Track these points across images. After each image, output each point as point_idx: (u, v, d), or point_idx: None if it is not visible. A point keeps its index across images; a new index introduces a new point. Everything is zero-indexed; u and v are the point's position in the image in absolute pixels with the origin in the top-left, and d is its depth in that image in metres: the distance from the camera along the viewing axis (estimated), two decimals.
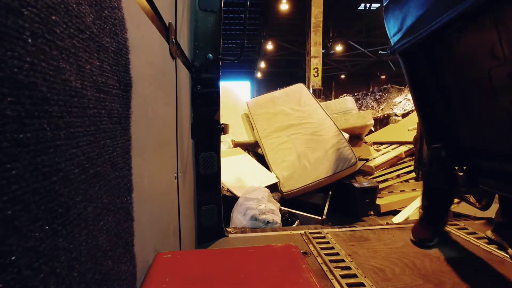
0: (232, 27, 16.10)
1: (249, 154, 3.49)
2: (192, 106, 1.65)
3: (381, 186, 3.45)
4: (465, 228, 1.91)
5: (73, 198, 0.41)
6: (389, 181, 3.65)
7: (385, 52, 15.90)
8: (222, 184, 1.95)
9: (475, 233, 1.82)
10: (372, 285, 1.30)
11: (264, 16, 14.39)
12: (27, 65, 0.32)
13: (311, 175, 3.05)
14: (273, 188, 2.95)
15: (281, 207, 2.47)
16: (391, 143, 4.34)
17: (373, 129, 5.75)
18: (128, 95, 0.64)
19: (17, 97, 0.30)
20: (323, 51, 10.18)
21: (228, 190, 2.52)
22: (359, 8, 14.05)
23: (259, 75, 20.64)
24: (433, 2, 1.27)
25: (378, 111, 9.72)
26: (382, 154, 4.06)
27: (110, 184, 0.53)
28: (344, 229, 1.97)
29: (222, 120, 1.77)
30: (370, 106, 10.80)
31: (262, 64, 18.67)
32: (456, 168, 1.50)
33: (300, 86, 3.91)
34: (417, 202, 3.01)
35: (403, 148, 4.05)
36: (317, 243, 1.72)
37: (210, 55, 1.67)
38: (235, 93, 4.60)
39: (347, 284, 1.31)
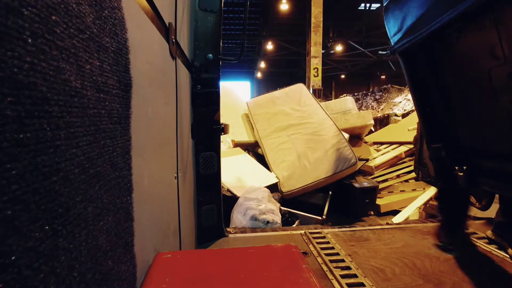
0: (232, 27, 16.10)
1: (249, 154, 3.49)
2: (192, 106, 1.65)
3: (381, 186, 3.45)
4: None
5: (73, 198, 0.41)
6: (389, 181, 3.65)
7: (385, 52, 15.91)
8: (222, 184, 1.95)
9: (475, 233, 1.82)
10: (372, 285, 1.30)
11: (264, 16, 14.39)
12: (27, 65, 0.32)
13: (311, 175, 3.05)
14: (273, 188, 2.95)
15: (281, 207, 2.47)
16: (391, 143, 4.34)
17: (373, 129, 5.75)
18: (128, 95, 0.64)
19: (17, 97, 0.30)
20: (323, 51, 10.18)
21: (228, 190, 2.52)
22: (359, 8, 14.05)
23: (259, 75, 20.64)
24: (433, 2, 1.27)
25: (378, 111, 9.72)
26: (382, 154, 4.06)
27: (110, 184, 0.53)
28: (344, 229, 1.97)
29: (222, 120, 1.77)
30: (370, 106, 10.80)
31: (262, 64, 18.67)
32: (456, 168, 1.50)
33: (300, 86, 3.91)
34: (417, 202, 3.01)
35: (403, 148, 4.05)
36: (317, 243, 1.71)
37: (210, 55, 1.67)
38: (235, 93, 4.60)
39: (347, 284, 1.31)
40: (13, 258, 0.29)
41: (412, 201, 3.07)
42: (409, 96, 8.78)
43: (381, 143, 4.52)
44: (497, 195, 1.65)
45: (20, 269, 0.30)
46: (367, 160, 3.78)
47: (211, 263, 0.80)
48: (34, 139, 0.33)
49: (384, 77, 20.07)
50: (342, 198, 3.12)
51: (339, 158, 3.11)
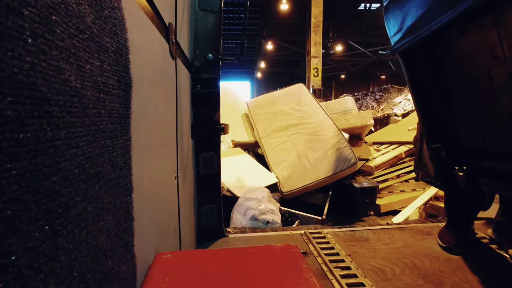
0: (232, 27, 16.10)
1: (249, 154, 3.49)
2: (192, 106, 1.65)
3: (381, 186, 3.45)
4: None
5: (73, 198, 0.41)
6: (389, 181, 3.65)
7: (385, 52, 15.91)
8: (222, 184, 1.95)
9: (475, 233, 1.82)
10: (372, 285, 1.30)
11: (264, 16, 14.39)
12: (27, 65, 0.32)
13: (311, 175, 3.05)
14: (273, 188, 2.96)
15: (281, 207, 2.47)
16: (391, 143, 4.34)
17: (373, 129, 5.75)
18: (128, 95, 0.64)
19: (17, 97, 0.30)
20: (323, 51, 10.18)
21: (228, 190, 2.52)
22: (359, 8, 14.06)
23: (259, 75, 20.64)
24: (433, 2, 1.27)
25: (378, 111, 9.72)
26: (382, 154, 4.06)
27: (110, 184, 0.53)
28: (344, 229, 1.97)
29: (222, 120, 1.77)
30: (370, 106, 10.80)
31: (262, 64, 18.67)
32: (456, 168, 1.49)
33: (300, 86, 3.91)
34: (417, 202, 3.01)
35: (403, 148, 4.05)
36: (317, 243, 1.72)
37: (210, 55, 1.67)
38: (235, 93, 4.60)
39: (347, 284, 1.31)
40: (13, 258, 0.29)
41: (412, 201, 3.07)
42: (409, 96, 8.78)
43: (381, 143, 4.52)
44: (497, 195, 1.64)
45: (20, 269, 0.30)
46: (367, 160, 3.78)
47: (211, 263, 0.80)
48: (34, 139, 0.33)
49: (384, 77, 20.07)
50: (342, 198, 3.12)
51: (339, 158, 3.11)
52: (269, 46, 15.87)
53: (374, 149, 4.34)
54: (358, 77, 20.97)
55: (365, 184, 3.09)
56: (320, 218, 2.57)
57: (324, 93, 12.37)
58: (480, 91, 1.25)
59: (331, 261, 1.50)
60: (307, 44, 9.63)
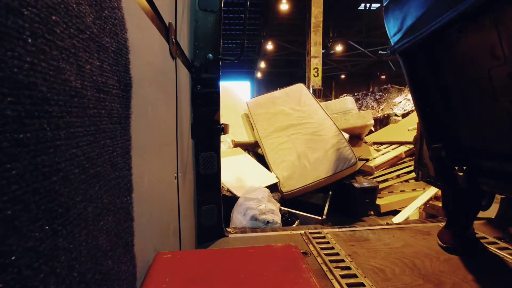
0: (232, 27, 16.10)
1: (249, 154, 3.49)
2: (192, 106, 1.65)
3: (381, 186, 3.45)
4: None
5: (73, 198, 0.41)
6: (389, 181, 3.65)
7: (385, 52, 15.91)
8: (222, 184, 1.94)
9: (475, 233, 1.82)
10: (372, 285, 1.30)
11: (264, 16, 14.39)
12: (27, 65, 0.32)
13: (311, 175, 3.05)
14: (273, 188, 2.96)
15: (281, 207, 2.47)
16: (391, 143, 4.34)
17: (373, 129, 5.75)
18: (128, 95, 0.64)
19: (17, 97, 0.30)
20: (323, 51, 10.18)
21: (228, 190, 2.52)
22: (359, 8, 14.06)
23: (259, 75, 20.64)
24: (433, 2, 1.27)
25: (378, 111, 9.72)
26: (382, 154, 4.06)
27: (110, 184, 0.53)
28: (344, 229, 1.97)
29: (222, 120, 1.77)
30: (370, 106, 10.80)
31: (262, 64, 18.67)
32: (456, 168, 1.49)
33: (300, 86, 3.91)
34: (417, 202, 3.01)
35: (403, 148, 4.05)
36: (317, 243, 1.71)
37: (210, 55, 1.67)
38: (235, 93, 4.60)
39: (347, 284, 1.31)
40: (13, 258, 0.29)
41: (412, 201, 3.08)
42: (409, 96, 8.78)
43: (381, 143, 4.53)
44: (497, 195, 1.64)
45: (20, 269, 0.30)
46: (367, 160, 3.78)
47: (211, 263, 0.80)
48: (34, 139, 0.33)
49: (384, 77, 20.07)
50: (342, 198, 3.12)
51: (339, 158, 3.11)
52: (269, 46, 15.87)
53: (374, 149, 4.34)
54: (358, 77, 20.97)
55: (365, 184, 3.09)
56: (320, 218, 2.57)
57: (324, 93, 12.38)
58: (480, 91, 1.25)
59: (331, 261, 1.50)
60: (307, 44, 9.63)
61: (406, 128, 4.42)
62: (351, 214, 3.07)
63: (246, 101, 4.14)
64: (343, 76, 20.56)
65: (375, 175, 3.67)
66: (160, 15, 0.97)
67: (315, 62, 9.35)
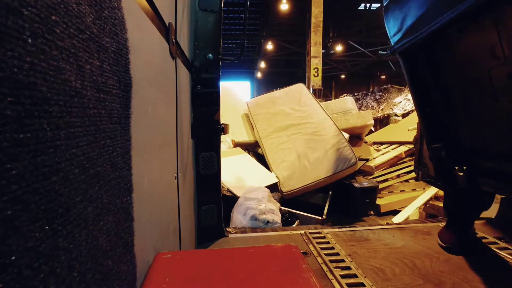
0: (232, 27, 16.10)
1: (249, 154, 3.49)
2: (192, 106, 1.65)
3: (381, 186, 3.45)
4: None
5: (73, 198, 0.41)
6: (389, 181, 3.65)
7: (385, 52, 15.91)
8: (222, 184, 1.94)
9: (475, 233, 1.82)
10: (372, 285, 1.30)
11: (264, 16, 14.39)
12: (27, 65, 0.32)
13: (311, 175, 3.05)
14: (273, 188, 2.96)
15: (281, 207, 2.47)
16: (391, 143, 4.34)
17: (373, 129, 5.75)
18: (128, 95, 0.64)
19: (17, 97, 0.30)
20: (323, 51, 10.18)
21: (228, 190, 2.52)
22: (359, 8, 14.06)
23: (259, 75, 20.64)
24: (433, 2, 1.27)
25: (378, 111, 9.72)
26: (382, 154, 4.06)
27: (110, 184, 0.53)
28: (344, 229, 1.97)
29: (222, 120, 1.77)
30: (370, 106, 10.80)
31: (262, 64, 18.67)
32: (456, 168, 1.49)
33: (300, 86, 3.91)
34: (417, 202, 3.01)
35: (403, 148, 4.06)
36: (317, 243, 1.71)
37: (210, 55, 1.67)
38: (235, 93, 4.60)
39: (347, 284, 1.31)
40: (13, 258, 0.29)
41: (412, 201, 3.08)
42: (409, 96, 8.78)
43: (381, 143, 4.53)
44: (497, 195, 1.64)
45: (20, 269, 0.30)
46: (367, 160, 3.78)
47: (211, 263, 0.80)
48: (34, 139, 0.33)
49: (384, 77, 20.07)
50: (342, 198, 3.12)
51: (339, 158, 3.11)
52: (269, 46, 15.87)
53: (374, 149, 4.34)
54: (358, 77, 20.97)
55: (365, 184, 3.09)
56: (320, 218, 2.57)
57: (324, 93, 12.37)
58: (480, 91, 1.25)
59: (331, 261, 1.50)
60: (307, 44, 9.63)
61: (406, 128, 4.43)
62: (351, 214, 3.07)
63: (246, 101, 4.14)
64: (343, 76, 20.56)
65: (375, 175, 3.67)
66: (160, 15, 0.97)
67: (315, 62, 9.35)
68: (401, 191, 3.53)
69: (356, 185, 3.06)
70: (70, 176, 0.40)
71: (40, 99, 0.34)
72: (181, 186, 1.28)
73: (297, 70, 18.67)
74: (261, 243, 1.69)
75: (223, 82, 2.58)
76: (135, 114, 0.68)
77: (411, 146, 3.93)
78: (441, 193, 2.93)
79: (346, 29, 15.27)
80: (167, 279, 0.71)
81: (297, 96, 3.77)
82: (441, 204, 2.75)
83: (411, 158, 3.92)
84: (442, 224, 1.90)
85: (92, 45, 0.48)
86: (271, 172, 3.19)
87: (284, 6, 12.34)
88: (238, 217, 2.11)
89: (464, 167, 1.46)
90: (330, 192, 3.04)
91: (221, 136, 1.81)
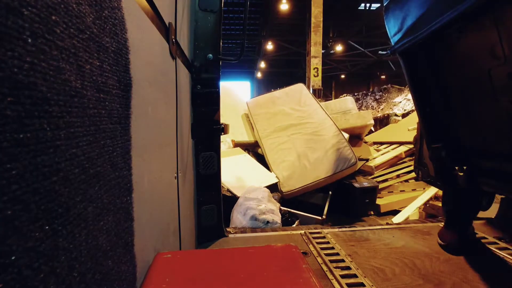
0: (232, 27, 16.09)
1: (249, 154, 3.49)
2: (192, 106, 1.65)
3: (381, 186, 3.45)
4: None
5: (73, 198, 0.41)
6: (389, 181, 3.65)
7: (385, 52, 15.91)
8: (222, 184, 1.95)
9: (475, 233, 1.82)
10: (372, 285, 1.30)
11: (264, 16, 14.39)
12: (27, 65, 0.32)
13: (311, 175, 3.05)
14: (273, 188, 2.96)
15: (281, 207, 2.47)
16: (391, 143, 4.34)
17: (373, 129, 5.75)
18: (128, 95, 0.64)
19: (17, 97, 0.30)
20: (323, 51, 10.18)
21: (228, 190, 2.52)
22: (359, 8, 14.05)
23: (259, 75, 20.64)
24: (433, 2, 1.27)
25: (378, 111, 9.72)
26: (382, 154, 4.06)
27: (110, 184, 0.53)
28: (344, 229, 1.97)
29: (222, 120, 1.77)
30: (370, 106, 10.80)
31: (262, 64, 18.67)
32: (456, 168, 1.49)
33: (300, 86, 3.91)
34: (417, 202, 3.01)
35: (403, 148, 4.06)
36: (317, 243, 1.71)
37: (210, 55, 1.67)
38: (235, 93, 4.60)
39: (347, 284, 1.31)
40: (13, 258, 0.29)
41: (412, 201, 3.08)
42: (409, 96, 8.78)
43: (381, 143, 4.53)
44: (497, 195, 1.64)
45: (20, 269, 0.30)
46: (367, 160, 3.78)
47: (211, 263, 0.80)
48: (34, 139, 0.33)
49: (384, 77, 20.07)
50: (342, 198, 3.12)
51: (339, 158, 3.11)
52: (269, 46, 15.86)
53: (374, 149, 4.34)
54: (358, 77, 20.97)
55: (365, 184, 3.09)
56: (320, 218, 2.57)
57: (324, 93, 12.38)
58: (480, 91, 1.25)
59: (331, 261, 1.50)
60: (307, 44, 9.63)
61: (406, 128, 4.42)
62: (351, 214, 3.07)
63: (246, 101, 4.14)
64: (343, 76, 20.55)
65: (375, 175, 3.67)
66: (160, 15, 0.97)
67: (315, 62, 9.35)
68: (401, 191, 3.53)
69: (356, 185, 3.06)
70: (70, 176, 0.40)
71: (40, 99, 0.34)
72: (181, 186, 1.28)
73: (297, 70, 18.67)
74: (261, 243, 1.69)
75: (223, 82, 2.58)
76: (135, 114, 0.68)
77: (411, 146, 3.93)
78: (441, 193, 2.93)
79: (346, 29, 15.27)
80: (167, 279, 0.71)
81: (297, 96, 3.77)
82: (441, 204, 2.75)
83: (411, 158, 3.92)
84: (442, 224, 1.90)
85: (92, 45, 0.48)
86: (271, 172, 3.19)
87: (284, 6, 12.33)
88: (238, 217, 2.11)
89: (464, 167, 1.46)
90: (330, 192, 3.04)
91: (221, 136, 1.81)
